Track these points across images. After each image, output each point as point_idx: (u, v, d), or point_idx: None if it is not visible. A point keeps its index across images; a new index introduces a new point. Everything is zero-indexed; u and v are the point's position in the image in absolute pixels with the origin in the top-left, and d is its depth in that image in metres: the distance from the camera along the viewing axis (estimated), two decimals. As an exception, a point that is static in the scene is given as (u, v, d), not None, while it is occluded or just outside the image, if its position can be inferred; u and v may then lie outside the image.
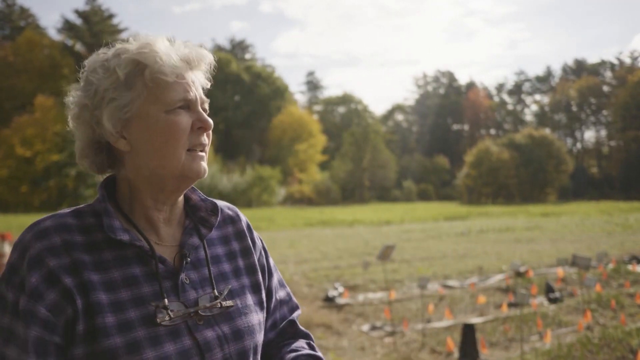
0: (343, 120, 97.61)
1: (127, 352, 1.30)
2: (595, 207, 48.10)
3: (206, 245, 1.57)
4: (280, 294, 1.80)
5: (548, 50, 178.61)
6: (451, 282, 12.62)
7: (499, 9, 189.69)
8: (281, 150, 76.67)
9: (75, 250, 1.36)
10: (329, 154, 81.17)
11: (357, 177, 79.97)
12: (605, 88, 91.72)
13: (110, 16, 75.52)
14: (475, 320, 8.79)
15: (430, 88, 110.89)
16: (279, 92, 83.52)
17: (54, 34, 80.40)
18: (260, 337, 1.57)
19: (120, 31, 76.37)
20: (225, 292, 1.53)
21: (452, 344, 7.61)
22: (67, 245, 1.36)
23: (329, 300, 10.87)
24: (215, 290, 1.51)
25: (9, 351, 1.28)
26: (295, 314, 1.84)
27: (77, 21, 73.13)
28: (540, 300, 10.46)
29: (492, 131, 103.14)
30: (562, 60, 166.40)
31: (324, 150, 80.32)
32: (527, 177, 70.81)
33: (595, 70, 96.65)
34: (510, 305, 9.95)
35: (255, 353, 1.53)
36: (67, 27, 72.84)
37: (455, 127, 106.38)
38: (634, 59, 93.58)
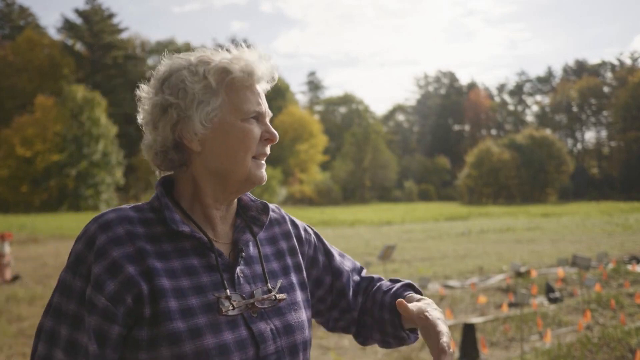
0: (344, 120, 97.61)
1: (189, 336, 1.37)
2: (595, 207, 48.11)
3: (253, 243, 1.65)
4: (347, 265, 1.88)
5: (548, 51, 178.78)
6: (452, 282, 12.65)
7: (498, 9, 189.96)
8: (282, 150, 76.63)
9: (138, 240, 1.43)
10: (330, 154, 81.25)
11: (358, 178, 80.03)
12: (606, 89, 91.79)
13: (111, 15, 75.50)
14: (475, 320, 8.80)
15: (431, 88, 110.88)
16: (280, 92, 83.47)
17: (54, 34, 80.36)
18: (309, 334, 1.62)
19: (120, 31, 76.42)
20: (278, 286, 1.58)
21: (453, 343, 7.62)
22: (130, 235, 1.43)
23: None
24: (269, 284, 1.57)
25: (80, 337, 1.36)
26: (363, 273, 1.93)
27: (77, 21, 73.10)
28: (540, 300, 10.49)
29: (493, 131, 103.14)
30: (562, 60, 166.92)
31: (325, 150, 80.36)
32: (528, 177, 70.85)
33: (595, 70, 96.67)
34: (511, 305, 9.98)
35: (304, 349, 1.59)
36: (67, 26, 72.80)
37: (456, 127, 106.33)
38: (634, 59, 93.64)
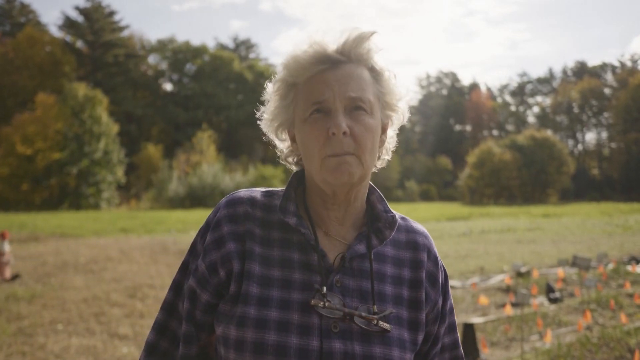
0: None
1: (254, 325, 1.38)
2: (595, 208, 48.05)
3: (372, 258, 1.52)
4: (445, 340, 1.65)
5: (549, 52, 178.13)
6: (453, 282, 12.64)
7: (499, 10, 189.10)
8: (284, 149, 76.52)
9: (251, 222, 1.51)
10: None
11: (359, 177, 79.89)
12: (607, 90, 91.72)
13: (111, 13, 75.19)
14: (475, 320, 8.81)
15: (433, 89, 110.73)
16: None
17: (54, 31, 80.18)
18: None
19: (121, 29, 76.18)
20: (387, 313, 1.45)
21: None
22: (246, 216, 1.51)
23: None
24: (375, 307, 1.45)
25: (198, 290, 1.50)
26: None
27: (78, 18, 72.84)
28: (540, 300, 10.49)
29: (495, 132, 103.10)
30: (563, 61, 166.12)
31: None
32: (529, 178, 70.79)
33: (596, 72, 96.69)
34: (511, 305, 9.98)
35: None
36: (68, 24, 72.57)
37: (458, 127, 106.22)
38: (635, 61, 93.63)
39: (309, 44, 1.47)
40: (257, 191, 1.58)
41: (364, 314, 1.41)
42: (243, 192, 1.57)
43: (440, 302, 1.60)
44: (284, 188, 1.59)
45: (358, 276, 1.48)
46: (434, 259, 1.61)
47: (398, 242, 1.59)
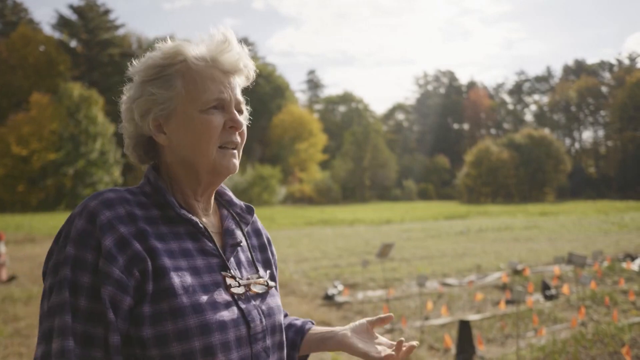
0: (344, 119, 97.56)
1: (193, 311, 1.42)
2: (592, 206, 48.23)
3: (245, 234, 1.75)
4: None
5: (544, 51, 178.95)
6: (450, 280, 12.70)
7: (493, 9, 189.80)
8: (282, 149, 76.62)
9: (138, 221, 1.47)
10: (330, 153, 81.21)
11: (358, 177, 80.00)
12: (604, 89, 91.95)
13: (106, 12, 74.54)
14: (471, 317, 8.86)
15: (430, 87, 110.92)
16: (280, 90, 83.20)
17: (48, 30, 79.50)
18: (282, 318, 1.72)
19: (116, 27, 75.67)
20: (267, 276, 1.71)
21: (450, 340, 7.67)
22: (131, 216, 1.47)
23: (329, 298, 10.93)
24: (260, 272, 1.69)
25: (98, 307, 1.36)
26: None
27: (72, 17, 72.11)
28: (536, 298, 10.54)
29: (492, 131, 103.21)
30: (558, 60, 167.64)
31: (324, 149, 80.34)
32: (526, 176, 70.99)
33: (593, 71, 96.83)
34: (507, 302, 10.02)
35: (281, 331, 1.68)
36: (62, 22, 72.03)
37: (456, 126, 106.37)
38: (632, 59, 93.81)
39: (204, 38, 1.59)
40: (121, 190, 1.54)
41: (262, 281, 1.66)
42: (110, 193, 1.49)
43: (275, 257, 1.90)
44: (136, 186, 1.61)
45: (237, 251, 1.68)
46: (261, 226, 1.90)
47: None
